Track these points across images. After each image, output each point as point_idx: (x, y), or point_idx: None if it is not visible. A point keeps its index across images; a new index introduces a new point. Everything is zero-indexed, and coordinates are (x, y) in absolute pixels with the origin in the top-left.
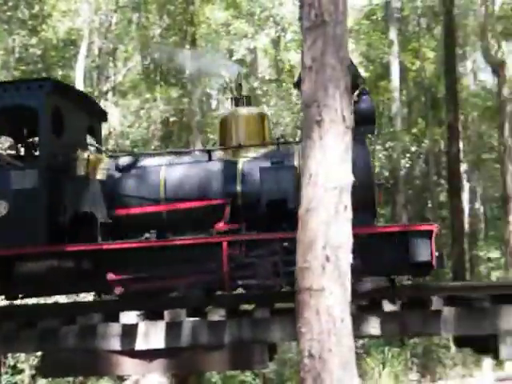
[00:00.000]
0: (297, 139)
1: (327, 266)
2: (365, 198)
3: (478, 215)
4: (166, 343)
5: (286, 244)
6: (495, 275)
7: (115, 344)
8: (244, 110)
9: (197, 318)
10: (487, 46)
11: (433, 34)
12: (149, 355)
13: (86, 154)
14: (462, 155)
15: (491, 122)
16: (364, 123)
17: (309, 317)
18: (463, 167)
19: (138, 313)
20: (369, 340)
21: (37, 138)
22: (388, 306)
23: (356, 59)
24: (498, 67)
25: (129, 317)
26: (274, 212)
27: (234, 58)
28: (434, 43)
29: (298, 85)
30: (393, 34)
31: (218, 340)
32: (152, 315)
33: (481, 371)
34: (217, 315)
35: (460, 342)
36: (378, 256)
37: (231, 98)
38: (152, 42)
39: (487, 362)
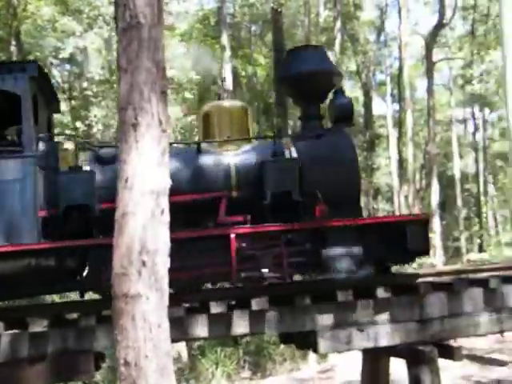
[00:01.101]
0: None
1: (143, 271)
2: (354, 190)
3: None
4: None
5: (289, 236)
6: None
7: None
8: (228, 104)
9: (16, 331)
10: None
11: (264, 41)
12: None
13: (66, 145)
14: None
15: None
16: (343, 119)
17: (124, 324)
18: None
19: None
20: (204, 341)
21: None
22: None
23: (188, 62)
24: None
25: None
26: (279, 204)
27: (60, 57)
28: (265, 50)
29: (277, 83)
30: (225, 40)
31: (40, 352)
32: None
33: (307, 364)
34: (39, 326)
35: (284, 338)
36: (379, 245)
37: (216, 94)
38: None
39: (312, 355)
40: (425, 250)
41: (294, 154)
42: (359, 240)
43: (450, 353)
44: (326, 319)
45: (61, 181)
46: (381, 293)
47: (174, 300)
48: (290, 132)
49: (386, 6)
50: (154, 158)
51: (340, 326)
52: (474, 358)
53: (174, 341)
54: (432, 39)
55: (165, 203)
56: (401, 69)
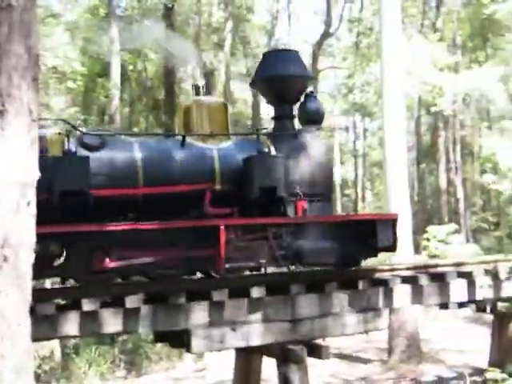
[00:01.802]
0: None
1: (4, 266)
2: (328, 189)
3: None
4: None
5: (273, 230)
6: None
7: None
8: (208, 99)
9: None
10: (200, 55)
11: (155, 36)
12: None
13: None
14: None
15: None
16: (314, 121)
17: None
18: None
19: None
20: (79, 339)
21: None
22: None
23: (72, 53)
24: (209, 75)
25: None
26: (266, 199)
27: None
28: (156, 45)
29: (252, 84)
30: (114, 32)
31: None
32: None
33: (183, 363)
34: None
35: (159, 337)
36: (351, 240)
37: (192, 87)
38: None
39: (189, 354)
40: (393, 247)
41: (274, 152)
42: (334, 235)
43: (317, 352)
44: (200, 318)
45: (56, 165)
46: (255, 292)
47: (46, 296)
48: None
49: (277, 12)
50: (22, 148)
51: (214, 325)
52: (342, 356)
53: (43, 339)
54: (318, 48)
55: (32, 195)
56: None
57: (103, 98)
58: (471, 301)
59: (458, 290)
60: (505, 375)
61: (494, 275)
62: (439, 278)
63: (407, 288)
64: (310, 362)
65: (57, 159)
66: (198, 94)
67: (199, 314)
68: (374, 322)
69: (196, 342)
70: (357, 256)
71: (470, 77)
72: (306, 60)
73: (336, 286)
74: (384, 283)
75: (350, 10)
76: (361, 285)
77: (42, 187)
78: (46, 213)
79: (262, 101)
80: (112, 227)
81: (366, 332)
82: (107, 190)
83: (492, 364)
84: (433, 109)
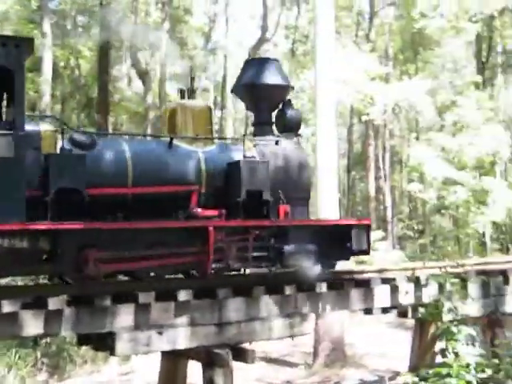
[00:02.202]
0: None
1: None
2: (307, 193)
3: None
4: None
5: (257, 232)
6: None
7: None
8: (193, 103)
9: None
10: (136, 55)
11: (89, 33)
12: None
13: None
14: None
15: (139, 126)
16: (292, 128)
17: None
18: None
19: None
20: None
21: None
22: None
23: None
24: (144, 76)
25: None
26: (252, 202)
27: None
28: (90, 43)
29: (233, 90)
30: (47, 27)
31: None
32: None
33: (109, 366)
34: None
35: (83, 340)
36: (328, 243)
37: (178, 90)
38: None
39: (114, 357)
40: (366, 250)
41: (257, 157)
42: (313, 239)
43: (243, 355)
44: (125, 320)
45: (53, 163)
46: (182, 296)
47: None
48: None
49: (214, 15)
50: None
51: (139, 327)
52: (269, 360)
53: None
54: (254, 52)
55: None
56: (225, 77)
57: (33, 93)
58: (394, 306)
59: (381, 295)
60: (416, 379)
61: (415, 281)
62: (364, 284)
63: (333, 293)
64: (237, 365)
65: (53, 156)
66: (182, 97)
67: (125, 316)
68: (299, 327)
69: (121, 345)
70: (333, 258)
71: (401, 88)
72: (242, 64)
73: (263, 291)
74: (311, 288)
75: (287, 16)
76: (288, 290)
77: (38, 184)
78: (40, 209)
79: None
80: (101, 225)
81: (292, 336)
82: (99, 189)
83: (412, 368)
84: (364, 117)
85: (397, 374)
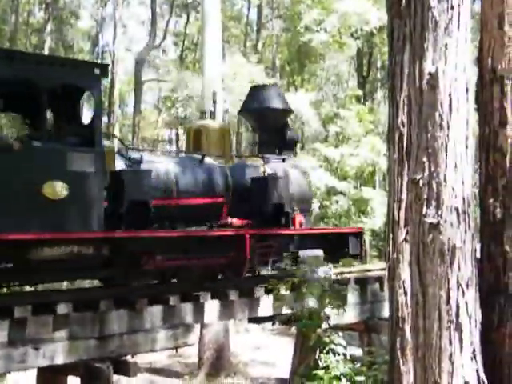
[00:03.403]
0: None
1: None
2: (310, 205)
3: None
4: None
5: (280, 239)
6: None
7: None
8: (214, 123)
9: None
10: None
11: None
12: None
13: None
14: None
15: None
16: (289, 148)
17: None
18: None
19: None
20: None
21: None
22: None
23: None
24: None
25: None
26: (275, 213)
27: None
28: None
29: (240, 113)
30: None
31: None
32: None
33: None
34: None
35: None
36: (331, 248)
37: (200, 111)
38: None
39: None
40: (360, 255)
41: (270, 173)
42: (320, 243)
43: (125, 368)
44: None
45: (127, 178)
46: (60, 309)
47: None
48: None
49: (102, 19)
50: None
51: (14, 343)
52: (154, 371)
53: None
54: (142, 58)
55: None
56: (112, 83)
57: None
58: (278, 315)
59: (265, 304)
60: None
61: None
62: (248, 294)
63: (217, 303)
64: (121, 379)
65: (126, 172)
66: (203, 117)
67: None
68: (184, 338)
69: None
70: (334, 261)
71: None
72: (131, 69)
73: (146, 302)
74: (195, 298)
75: (176, 23)
76: (172, 300)
77: (109, 196)
78: (114, 220)
79: (84, 107)
80: (158, 233)
81: (176, 348)
82: (155, 201)
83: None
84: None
85: (279, 380)
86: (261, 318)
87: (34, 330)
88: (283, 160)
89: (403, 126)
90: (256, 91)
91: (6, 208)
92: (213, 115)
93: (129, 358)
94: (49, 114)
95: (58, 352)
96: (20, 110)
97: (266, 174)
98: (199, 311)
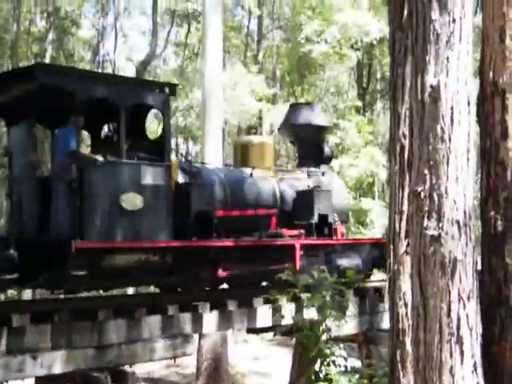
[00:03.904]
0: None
1: None
2: (346, 217)
3: None
4: None
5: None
6: None
7: None
8: (260, 138)
9: None
10: (17, 63)
11: None
12: None
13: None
14: None
15: None
16: (329, 160)
17: None
18: None
19: None
20: None
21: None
22: None
23: None
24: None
25: None
26: (321, 223)
27: None
28: None
29: (281, 130)
30: None
31: None
32: None
33: None
34: None
35: None
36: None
37: (247, 127)
38: None
39: None
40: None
41: (311, 186)
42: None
43: (123, 378)
44: None
45: (192, 190)
46: (59, 318)
47: None
48: None
49: (103, 29)
50: None
51: (12, 352)
52: (152, 381)
53: None
54: (143, 68)
55: None
56: None
57: None
58: (277, 325)
59: (264, 315)
60: None
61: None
62: (247, 304)
63: (215, 313)
64: None
65: (190, 185)
66: (250, 133)
67: None
68: (182, 348)
69: None
70: (368, 270)
71: (287, 109)
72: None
73: (145, 312)
74: (193, 308)
75: (177, 33)
76: (170, 310)
77: (176, 207)
78: (181, 229)
79: None
80: (221, 243)
81: (175, 358)
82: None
83: None
84: None
85: None
86: (260, 328)
87: (32, 339)
88: (323, 173)
89: (404, 138)
90: (297, 108)
91: (91, 218)
92: (259, 131)
93: (127, 367)
94: (125, 131)
95: (56, 361)
96: (98, 128)
97: (310, 187)
98: (198, 321)
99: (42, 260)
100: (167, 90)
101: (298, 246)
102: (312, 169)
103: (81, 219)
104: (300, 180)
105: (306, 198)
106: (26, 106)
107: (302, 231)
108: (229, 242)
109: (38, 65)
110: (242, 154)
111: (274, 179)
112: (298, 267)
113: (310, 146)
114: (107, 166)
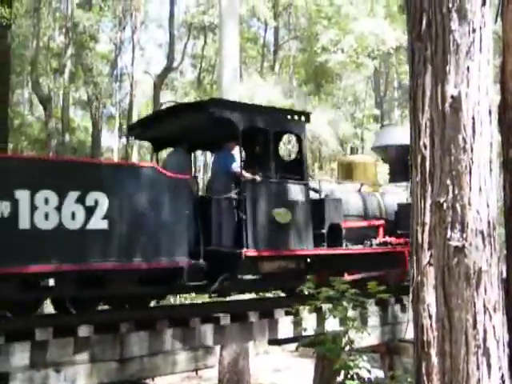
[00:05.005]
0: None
1: None
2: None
3: None
4: None
5: None
6: None
7: None
8: (364, 158)
9: None
10: (37, 79)
11: None
12: None
13: None
14: None
15: (40, 153)
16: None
17: None
18: None
19: None
20: None
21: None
22: None
23: None
24: (45, 101)
25: None
26: None
27: None
28: None
29: (374, 148)
30: None
31: None
32: None
33: None
34: None
35: None
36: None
37: (350, 148)
38: None
39: None
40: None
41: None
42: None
43: None
44: (20, 359)
45: (326, 205)
46: (82, 331)
47: None
48: None
49: (120, 43)
50: None
51: (36, 366)
52: None
53: None
54: (160, 80)
55: None
56: (131, 105)
57: None
58: (299, 336)
59: (285, 326)
60: None
61: (319, 313)
62: (268, 315)
63: (237, 325)
64: None
65: (324, 200)
66: (352, 153)
67: (19, 355)
68: (204, 360)
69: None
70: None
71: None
72: (149, 92)
73: (167, 324)
74: (215, 320)
75: (194, 45)
76: (192, 322)
77: (317, 220)
78: (318, 239)
79: (103, 130)
80: (352, 250)
81: (197, 370)
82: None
83: None
84: None
85: None
86: (281, 339)
87: (55, 353)
88: (406, 187)
89: (425, 149)
90: (388, 130)
91: (253, 230)
92: (358, 151)
93: (149, 380)
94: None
95: (79, 375)
96: (250, 150)
97: (408, 200)
98: (219, 333)
99: (219, 268)
100: (303, 117)
101: (407, 252)
102: (404, 183)
103: (245, 231)
104: (398, 194)
105: (407, 211)
106: (195, 134)
107: (407, 239)
108: (357, 250)
109: (212, 100)
110: (347, 171)
111: (378, 193)
112: (406, 271)
113: (400, 163)
114: (264, 184)
